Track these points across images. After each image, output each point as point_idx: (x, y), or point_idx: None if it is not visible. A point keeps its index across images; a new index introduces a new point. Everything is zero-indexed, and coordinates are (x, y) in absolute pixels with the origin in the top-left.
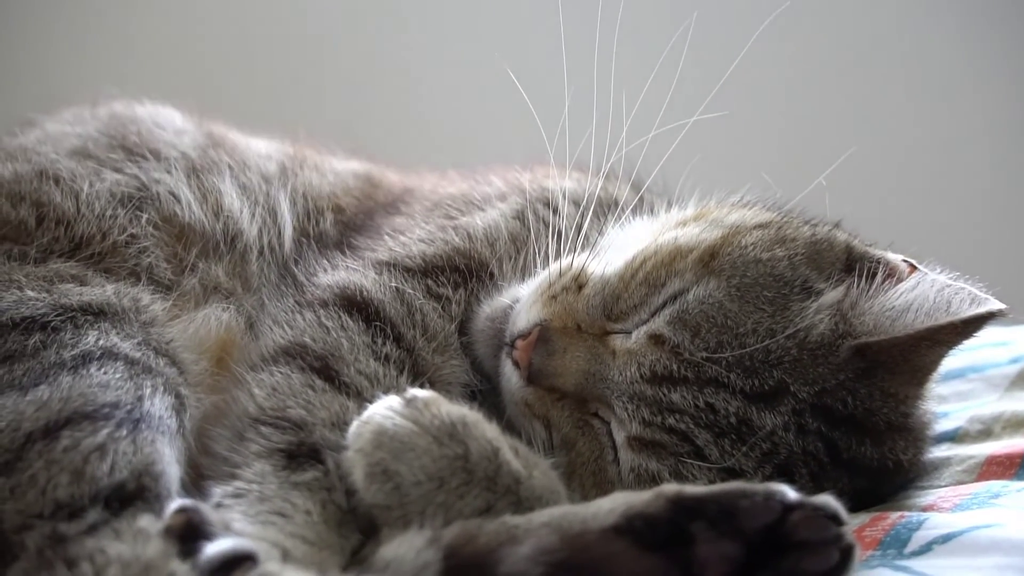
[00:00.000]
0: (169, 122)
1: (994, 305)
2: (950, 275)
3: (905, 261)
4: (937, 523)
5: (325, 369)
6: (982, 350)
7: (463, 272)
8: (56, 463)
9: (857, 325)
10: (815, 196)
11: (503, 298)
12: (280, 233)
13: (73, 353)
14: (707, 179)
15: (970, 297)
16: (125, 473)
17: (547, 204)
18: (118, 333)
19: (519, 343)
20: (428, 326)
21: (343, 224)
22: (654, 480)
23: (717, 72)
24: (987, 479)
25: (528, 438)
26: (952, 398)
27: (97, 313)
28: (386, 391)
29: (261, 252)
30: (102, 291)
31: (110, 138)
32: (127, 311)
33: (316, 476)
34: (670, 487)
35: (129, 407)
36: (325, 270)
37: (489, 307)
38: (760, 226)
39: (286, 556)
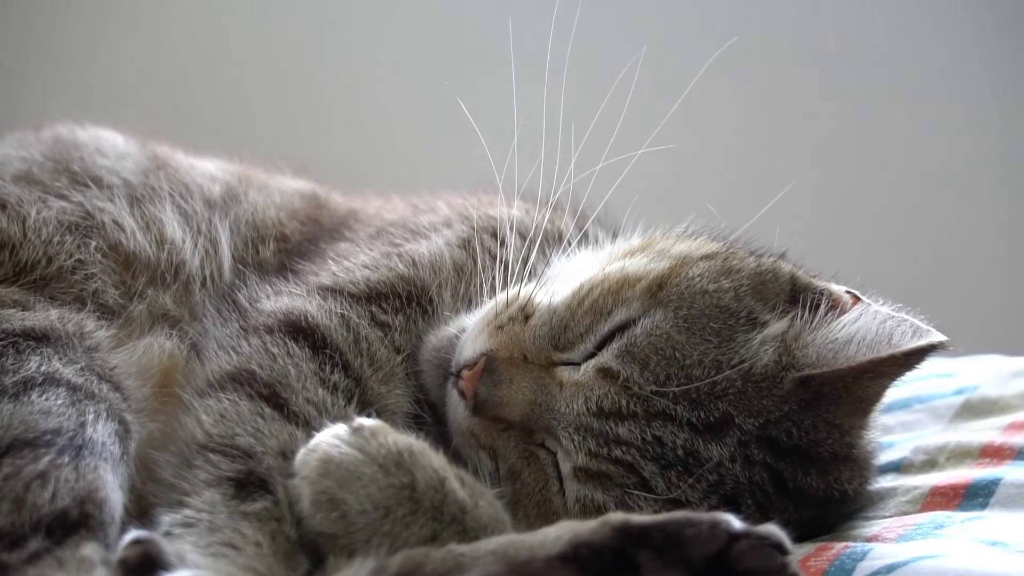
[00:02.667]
0: (111, 147)
1: (936, 337)
2: (893, 306)
3: (848, 292)
4: (881, 553)
5: (273, 397)
6: (927, 381)
7: (407, 300)
8: None
9: (800, 357)
10: (760, 226)
11: (450, 328)
12: (221, 262)
13: (14, 379)
14: (653, 209)
15: (912, 329)
16: (67, 500)
17: (493, 234)
18: (61, 359)
19: (465, 373)
20: (374, 355)
21: (286, 252)
22: (600, 511)
23: (665, 104)
24: (931, 510)
25: (474, 468)
26: (897, 428)
27: (40, 338)
28: (334, 420)
29: (204, 282)
30: (45, 315)
31: (55, 163)
32: (71, 336)
33: (266, 506)
34: (616, 515)
35: (71, 434)
36: (268, 296)
37: (435, 337)
38: (706, 257)
39: None
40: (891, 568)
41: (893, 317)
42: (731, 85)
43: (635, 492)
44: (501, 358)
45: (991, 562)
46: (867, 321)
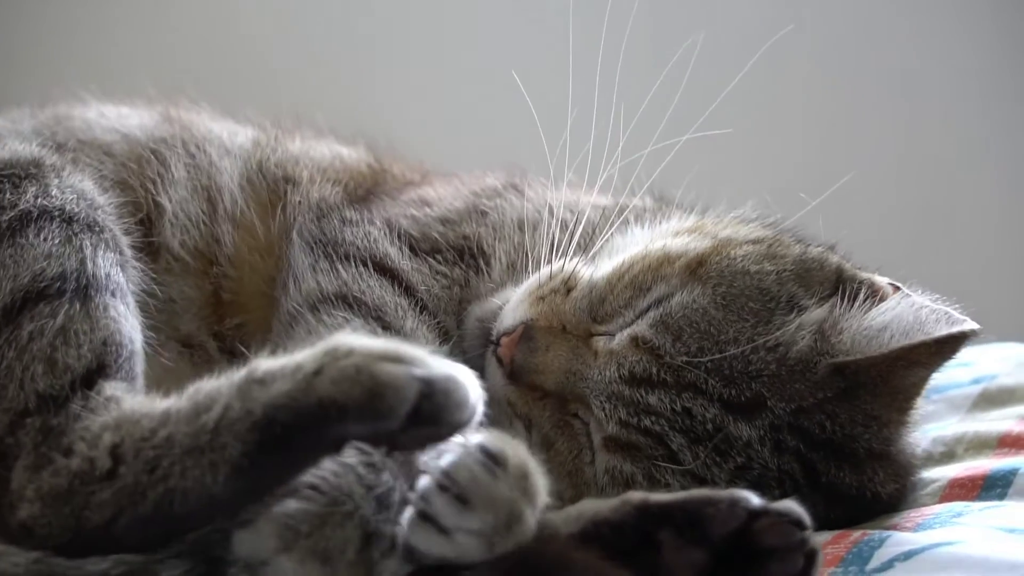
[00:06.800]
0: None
1: (969, 325)
2: (931, 297)
3: (891, 284)
4: (899, 541)
5: (381, 320)
6: (945, 370)
7: (469, 259)
8: (27, 352)
9: (835, 344)
10: (811, 217)
11: (494, 300)
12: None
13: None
14: (710, 194)
15: (946, 318)
16: (90, 355)
17: (543, 211)
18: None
19: (504, 340)
20: (445, 308)
21: (354, 193)
22: (628, 483)
23: (723, 89)
24: (949, 502)
25: None
26: None
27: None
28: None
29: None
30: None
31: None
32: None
33: None
34: (636, 494)
35: (76, 273)
36: (354, 226)
37: (480, 308)
38: (752, 242)
39: None
40: (909, 555)
41: (927, 306)
42: (791, 73)
43: (663, 464)
44: (540, 327)
45: (1009, 549)
46: (903, 310)
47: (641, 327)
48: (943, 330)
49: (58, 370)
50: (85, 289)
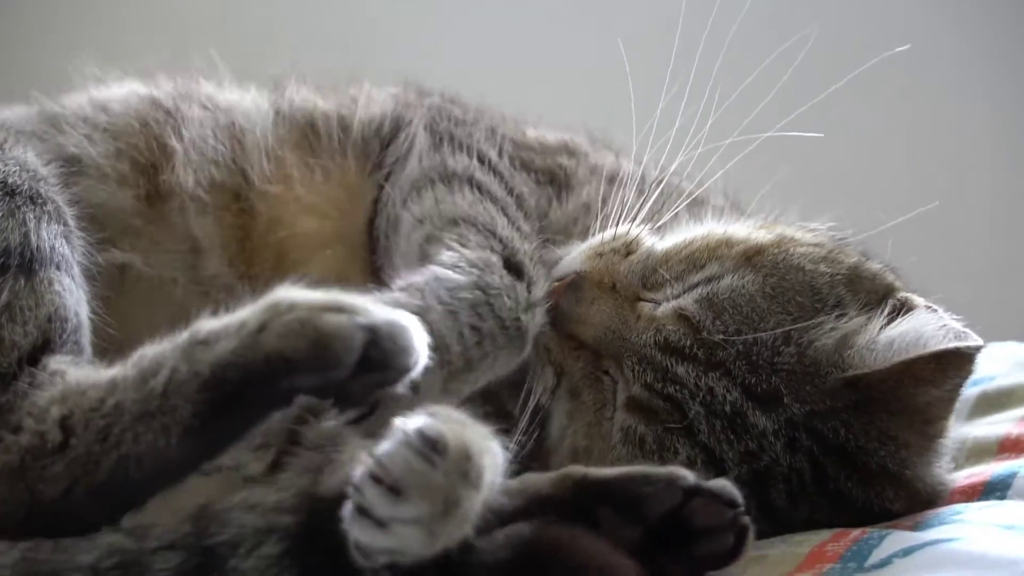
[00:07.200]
0: None
1: (968, 342)
2: (952, 316)
3: (927, 306)
4: (898, 538)
5: (505, 213)
6: None
7: (556, 186)
8: None
9: (846, 357)
10: (880, 240)
11: (559, 251)
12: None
13: None
14: (788, 194)
15: (950, 333)
16: (35, 332)
17: (620, 182)
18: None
19: (554, 285)
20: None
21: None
22: (639, 443)
23: (821, 92)
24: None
25: (531, 384)
26: None
27: None
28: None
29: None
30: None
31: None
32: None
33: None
34: (577, 469)
35: (20, 248)
36: (463, 125)
37: (545, 255)
38: (814, 244)
39: None
40: (907, 551)
41: (935, 323)
42: (895, 92)
43: (675, 427)
44: (590, 280)
45: (1006, 546)
46: (911, 326)
47: (686, 300)
48: (941, 345)
49: (5, 348)
50: (29, 264)
